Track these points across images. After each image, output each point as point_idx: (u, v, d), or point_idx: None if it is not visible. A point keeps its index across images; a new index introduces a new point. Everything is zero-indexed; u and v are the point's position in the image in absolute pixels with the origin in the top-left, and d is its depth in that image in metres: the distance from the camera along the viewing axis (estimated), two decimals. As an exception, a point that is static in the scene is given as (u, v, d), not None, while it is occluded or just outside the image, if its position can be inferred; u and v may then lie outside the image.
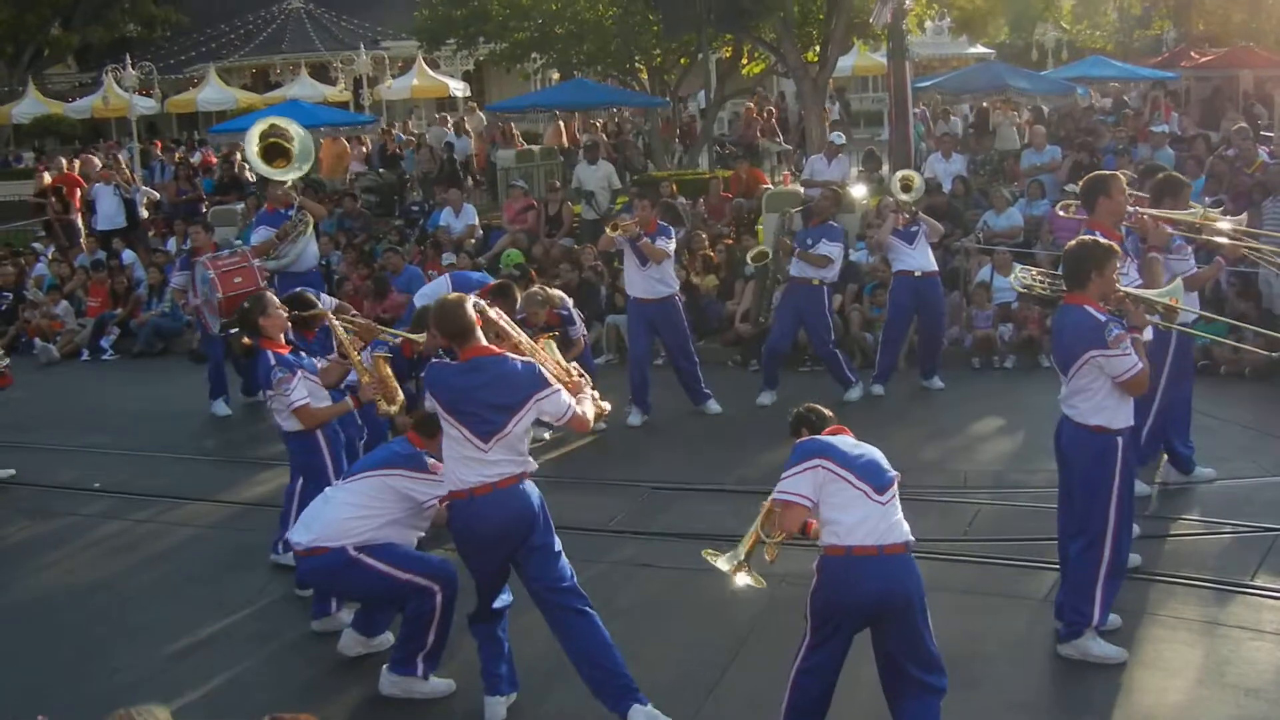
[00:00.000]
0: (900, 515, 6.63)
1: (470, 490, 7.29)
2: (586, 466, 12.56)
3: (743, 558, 6.71)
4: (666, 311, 14.07)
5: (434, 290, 12.88)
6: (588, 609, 7.52)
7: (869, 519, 6.52)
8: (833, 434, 6.86)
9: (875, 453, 6.75)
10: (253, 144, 15.31)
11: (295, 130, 15.46)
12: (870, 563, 6.50)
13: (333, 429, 9.75)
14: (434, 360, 7.57)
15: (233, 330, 11.92)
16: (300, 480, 9.75)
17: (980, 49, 43.46)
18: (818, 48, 27.55)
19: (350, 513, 7.99)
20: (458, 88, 44.71)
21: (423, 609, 7.94)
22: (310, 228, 15.33)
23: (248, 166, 30.03)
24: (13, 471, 13.36)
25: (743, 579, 6.73)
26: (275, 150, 15.29)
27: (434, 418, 7.86)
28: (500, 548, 7.40)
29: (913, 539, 6.63)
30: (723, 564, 6.72)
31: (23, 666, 8.82)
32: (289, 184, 15.44)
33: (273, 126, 15.52)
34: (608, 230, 13.89)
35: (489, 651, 7.70)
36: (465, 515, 7.35)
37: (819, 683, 6.79)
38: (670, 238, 14.03)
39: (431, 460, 8.04)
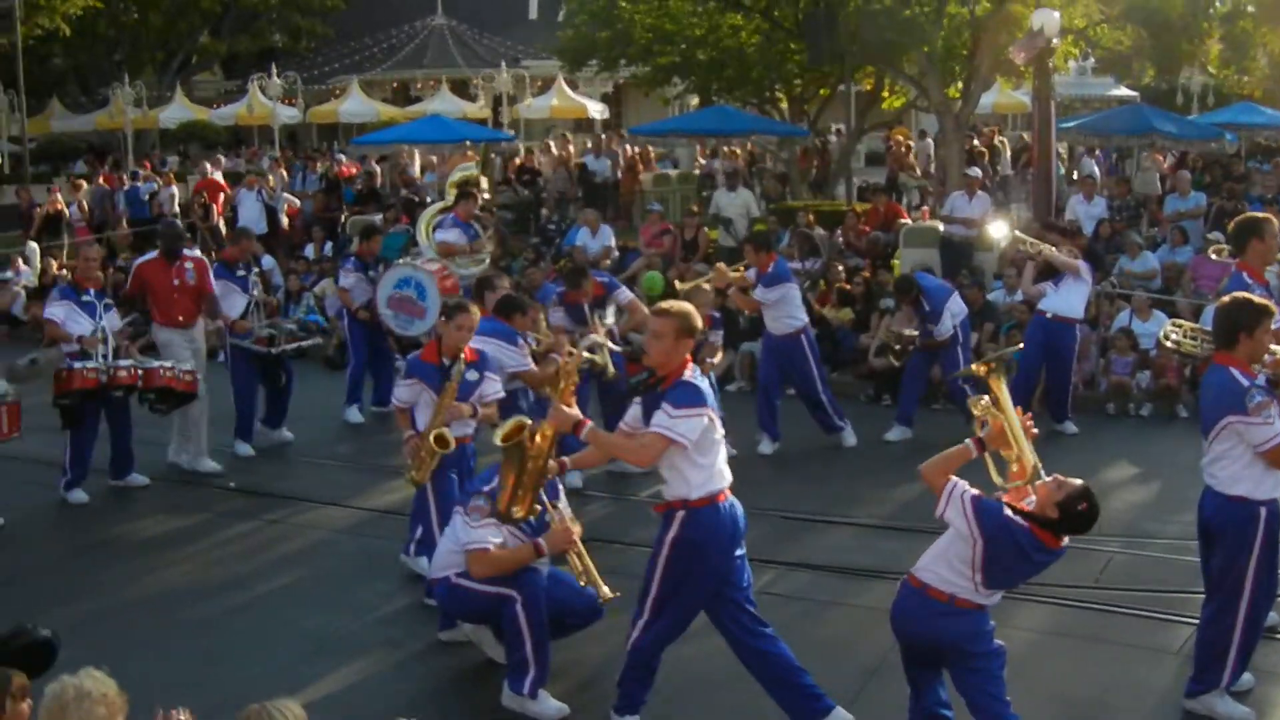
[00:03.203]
0: None
1: (714, 497, 7.38)
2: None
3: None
4: (789, 348, 13.99)
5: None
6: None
7: None
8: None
9: None
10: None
11: None
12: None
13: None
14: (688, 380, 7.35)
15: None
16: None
17: (1124, 91, 42.81)
18: (960, 83, 27.36)
19: (446, 545, 8.48)
20: (596, 109, 44.97)
21: (506, 617, 8.05)
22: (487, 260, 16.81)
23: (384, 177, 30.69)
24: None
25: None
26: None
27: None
28: (736, 550, 7.54)
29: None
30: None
31: (148, 660, 8.86)
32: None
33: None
34: (678, 284, 14.09)
35: (642, 677, 7.68)
36: (716, 520, 7.38)
37: None
38: (779, 282, 13.73)
39: (474, 503, 8.17)
